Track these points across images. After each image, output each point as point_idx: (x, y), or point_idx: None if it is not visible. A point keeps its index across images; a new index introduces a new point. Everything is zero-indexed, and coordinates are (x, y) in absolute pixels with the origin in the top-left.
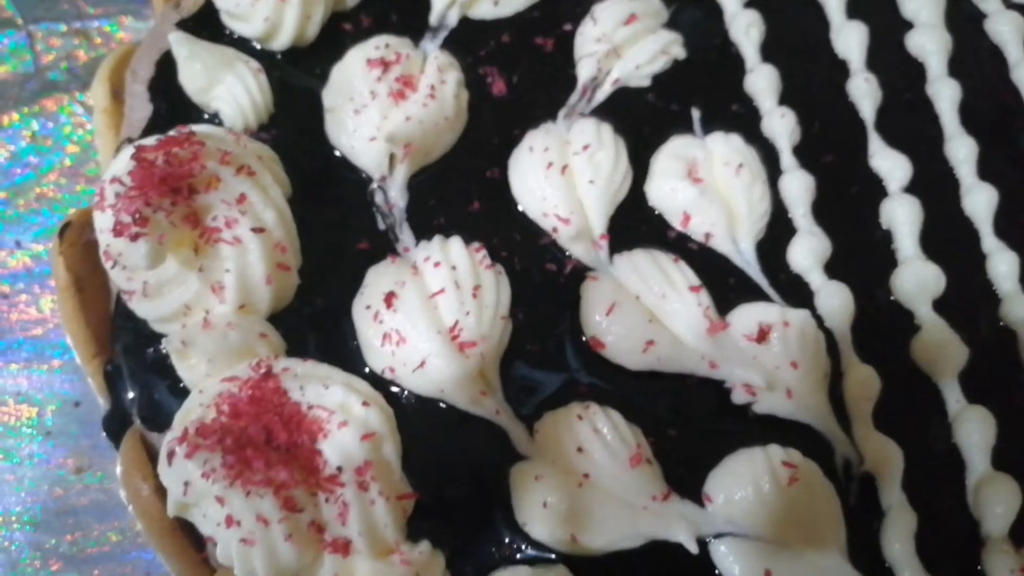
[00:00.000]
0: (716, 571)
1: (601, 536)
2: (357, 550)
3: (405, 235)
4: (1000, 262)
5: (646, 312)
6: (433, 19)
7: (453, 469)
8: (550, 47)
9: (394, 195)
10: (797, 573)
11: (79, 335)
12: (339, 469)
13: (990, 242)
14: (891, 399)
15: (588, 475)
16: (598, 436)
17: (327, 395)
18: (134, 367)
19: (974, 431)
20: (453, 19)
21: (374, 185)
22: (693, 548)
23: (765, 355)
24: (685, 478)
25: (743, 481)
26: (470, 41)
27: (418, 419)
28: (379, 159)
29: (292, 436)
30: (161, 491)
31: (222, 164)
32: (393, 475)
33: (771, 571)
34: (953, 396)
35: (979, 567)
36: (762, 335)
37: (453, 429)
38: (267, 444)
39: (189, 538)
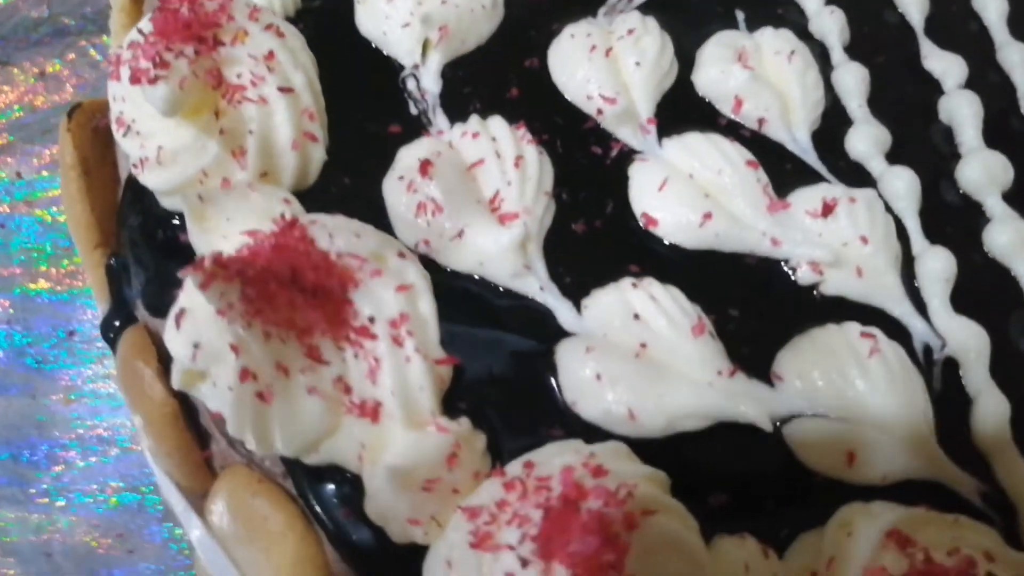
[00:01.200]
0: (792, 456)
1: (661, 414)
2: (388, 415)
3: (439, 119)
4: None
5: (701, 188)
6: None
7: (493, 347)
8: None
9: (427, 82)
10: (884, 456)
11: (82, 219)
12: (371, 320)
13: None
14: (968, 285)
15: (645, 345)
16: (656, 303)
17: (359, 244)
18: (141, 250)
19: None
20: None
21: (406, 72)
22: (767, 426)
23: (831, 231)
24: (751, 357)
25: (818, 357)
26: None
27: (455, 296)
28: (412, 45)
29: (320, 279)
30: (164, 376)
31: (250, 19)
32: (429, 336)
33: (855, 453)
34: None
35: None
36: (827, 210)
37: (493, 306)
38: (292, 283)
39: (191, 433)
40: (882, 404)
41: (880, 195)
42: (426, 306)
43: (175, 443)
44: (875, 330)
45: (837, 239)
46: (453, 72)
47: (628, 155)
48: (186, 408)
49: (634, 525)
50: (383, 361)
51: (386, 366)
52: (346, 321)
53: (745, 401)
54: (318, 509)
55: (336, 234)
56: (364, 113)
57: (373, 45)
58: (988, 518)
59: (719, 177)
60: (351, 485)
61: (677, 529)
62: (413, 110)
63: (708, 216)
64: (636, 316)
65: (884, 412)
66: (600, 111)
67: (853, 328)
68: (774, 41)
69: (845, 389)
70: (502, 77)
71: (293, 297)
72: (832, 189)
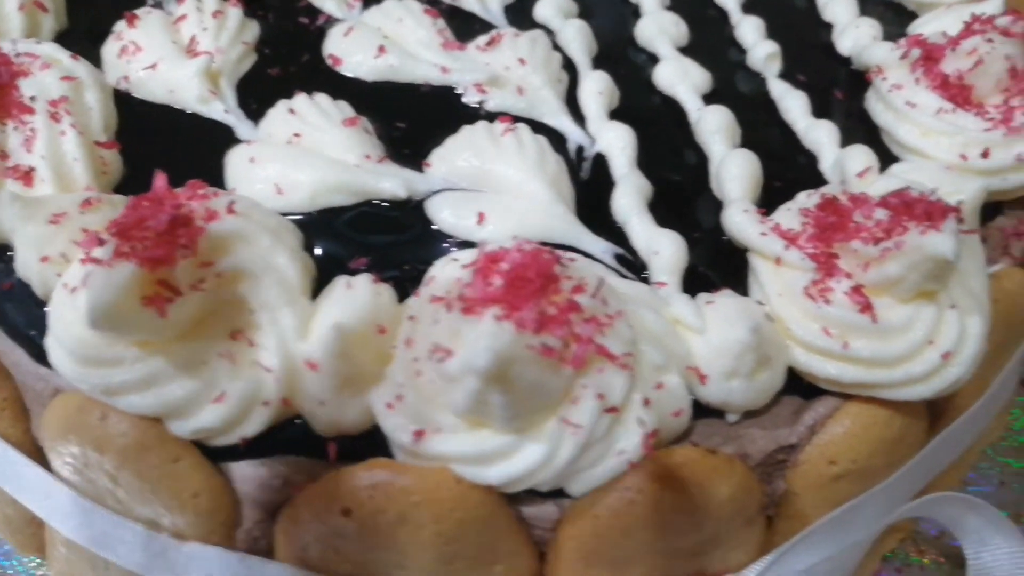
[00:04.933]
0: (431, 225)
1: (305, 189)
2: (40, 179)
3: (170, 6)
4: (748, 28)
5: (381, 32)
6: None
7: (173, 154)
8: None
9: None
10: (514, 218)
11: None
12: (32, 99)
13: (740, 15)
14: (629, 103)
15: (299, 134)
16: (312, 102)
17: (37, 48)
18: None
19: (713, 127)
20: None
21: None
22: (401, 194)
23: (496, 59)
24: (409, 155)
25: (461, 143)
26: None
27: (148, 120)
28: None
29: None
30: None
31: None
32: (92, 121)
33: (485, 214)
34: (694, 106)
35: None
36: (493, 42)
37: (179, 124)
38: None
39: None
40: (511, 173)
41: (556, 42)
42: (92, 97)
43: None
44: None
45: (500, 64)
46: None
47: (332, 22)
48: None
49: (214, 217)
50: (38, 132)
51: (41, 136)
52: (11, 102)
53: (387, 179)
54: None
55: (19, 42)
56: (104, 4)
57: None
58: (618, 274)
59: (399, 24)
60: (10, 261)
61: (263, 225)
62: (150, 2)
63: (382, 50)
64: (291, 111)
65: (514, 180)
66: None
67: (496, 123)
68: None
69: (479, 163)
70: None
71: None
72: (506, 31)
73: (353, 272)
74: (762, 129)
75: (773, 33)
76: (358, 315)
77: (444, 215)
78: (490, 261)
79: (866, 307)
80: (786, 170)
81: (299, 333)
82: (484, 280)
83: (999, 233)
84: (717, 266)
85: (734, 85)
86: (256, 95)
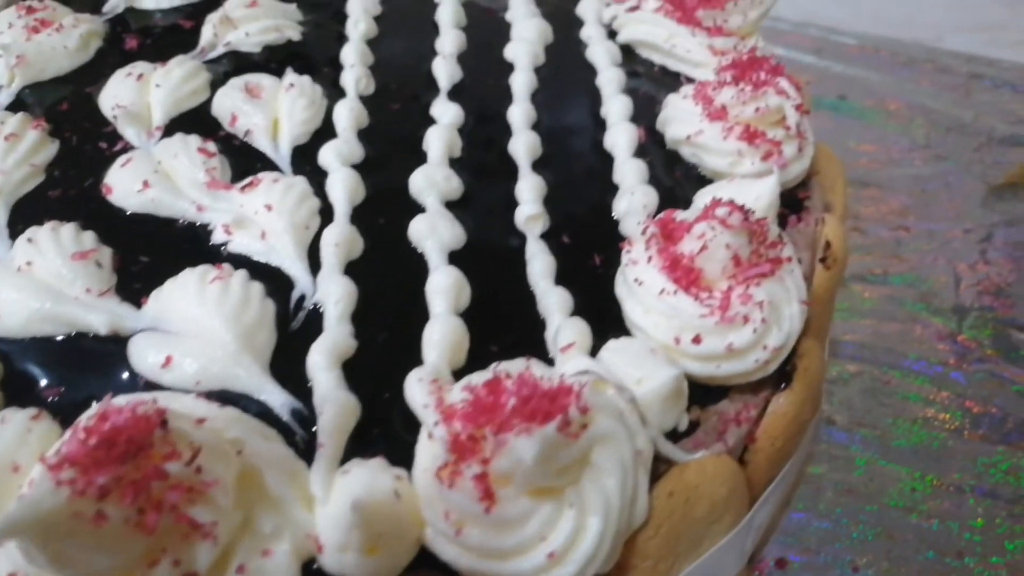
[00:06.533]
0: (128, 365)
1: (18, 316)
2: None
3: None
4: (525, 187)
5: (153, 165)
6: None
7: None
8: (189, 26)
9: (2, 99)
10: (199, 364)
11: None
12: None
13: (527, 172)
14: (374, 258)
15: (31, 263)
16: (52, 232)
17: None
18: None
19: (435, 288)
20: (120, 6)
21: None
22: (102, 330)
23: (250, 202)
24: (138, 289)
25: (175, 285)
26: (123, 20)
27: None
28: (1, 71)
29: None
30: None
31: None
32: None
33: (172, 357)
34: (434, 263)
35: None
36: (252, 184)
37: None
38: None
39: None
40: (206, 320)
41: (322, 186)
42: None
43: None
44: (230, 267)
45: (251, 208)
46: (28, 91)
47: (127, 150)
48: None
49: None
50: None
51: None
52: None
53: (94, 314)
54: None
55: None
56: None
57: None
58: (290, 429)
59: (174, 159)
60: None
61: None
62: None
63: (147, 184)
64: (30, 240)
65: (207, 327)
66: (116, 116)
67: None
68: (288, 79)
69: (183, 306)
70: (60, 97)
71: None
72: (271, 175)
73: (46, 402)
74: (501, 291)
75: (557, 191)
76: None
77: (140, 355)
78: (100, 419)
79: (486, 496)
80: (509, 336)
81: None
82: (81, 438)
83: (718, 418)
84: (405, 430)
85: (493, 243)
86: (27, 217)
